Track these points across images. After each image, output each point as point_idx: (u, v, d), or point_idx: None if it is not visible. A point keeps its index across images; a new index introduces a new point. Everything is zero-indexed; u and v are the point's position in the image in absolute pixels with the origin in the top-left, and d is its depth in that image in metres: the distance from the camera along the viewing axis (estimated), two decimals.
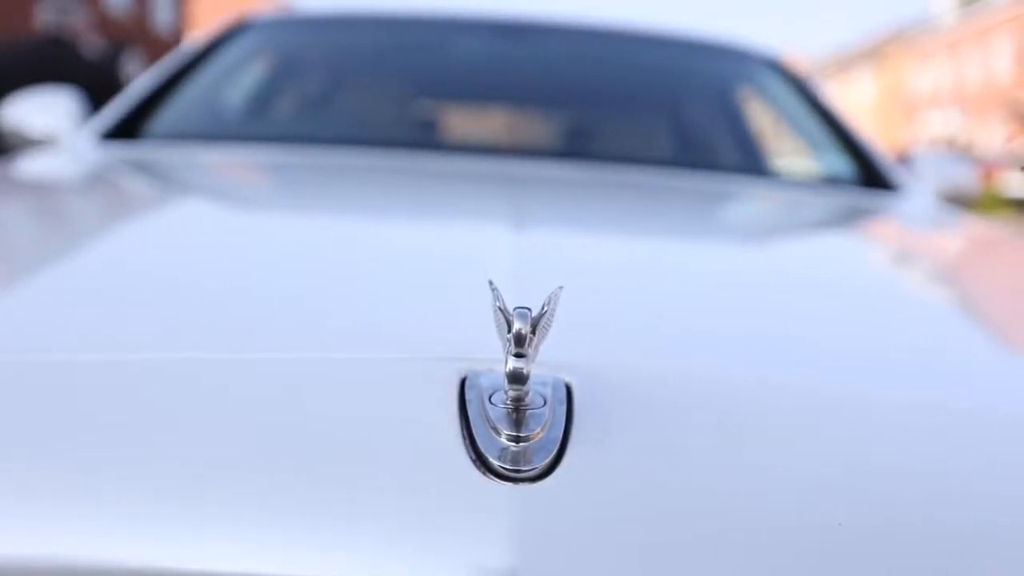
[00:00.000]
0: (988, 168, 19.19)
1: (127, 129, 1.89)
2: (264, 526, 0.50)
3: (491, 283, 0.59)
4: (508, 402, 0.56)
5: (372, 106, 2.38)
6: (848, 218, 1.63)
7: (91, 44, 4.62)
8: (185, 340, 0.67)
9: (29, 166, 1.62)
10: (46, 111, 2.02)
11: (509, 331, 0.55)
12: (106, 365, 0.62)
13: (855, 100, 59.20)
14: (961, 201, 2.07)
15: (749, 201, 1.75)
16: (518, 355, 0.55)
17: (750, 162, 2.30)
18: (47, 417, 0.56)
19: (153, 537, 0.49)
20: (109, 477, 0.52)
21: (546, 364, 0.60)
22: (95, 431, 0.55)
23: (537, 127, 2.59)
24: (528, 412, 0.56)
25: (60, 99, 2.06)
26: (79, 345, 0.66)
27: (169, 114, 1.99)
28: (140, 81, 2.12)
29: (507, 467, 0.53)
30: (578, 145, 2.27)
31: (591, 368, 0.63)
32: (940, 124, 48.49)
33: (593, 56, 2.30)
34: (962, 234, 1.58)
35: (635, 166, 1.85)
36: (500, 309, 0.57)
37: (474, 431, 0.55)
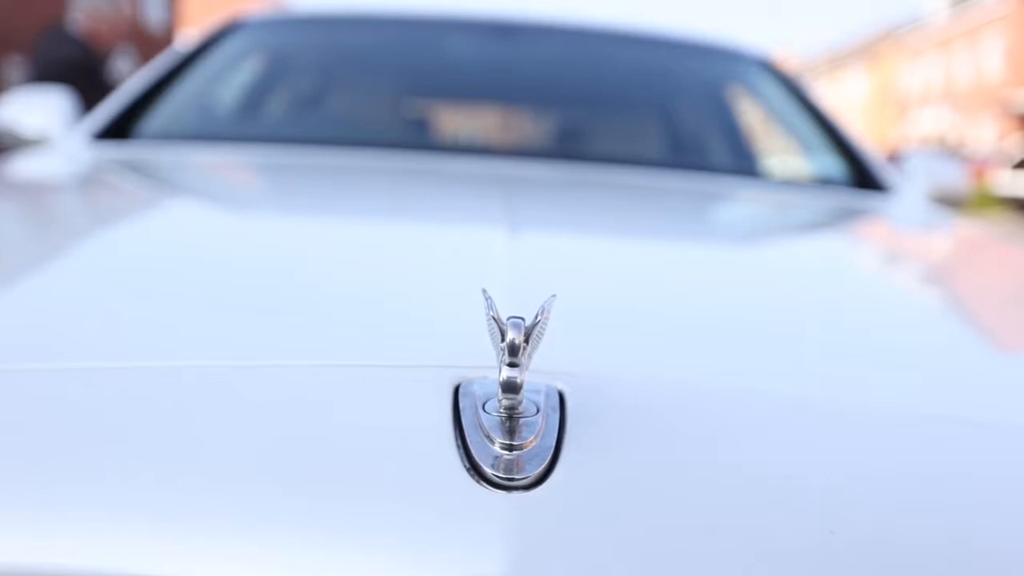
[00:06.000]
0: (979, 166, 19.29)
1: (119, 129, 1.89)
2: (254, 534, 0.50)
3: (484, 292, 0.60)
4: (501, 410, 0.56)
5: (365, 106, 2.38)
6: (839, 220, 1.64)
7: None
8: (175, 347, 0.67)
9: (21, 166, 1.62)
10: (38, 111, 2.01)
11: (502, 340, 0.55)
12: (95, 373, 0.62)
13: (847, 98, 59.32)
14: (952, 201, 2.08)
15: (741, 203, 1.76)
16: (512, 364, 0.55)
17: (741, 162, 2.31)
18: (43, 425, 0.56)
19: (140, 544, 0.49)
20: (101, 485, 0.52)
21: (539, 372, 0.60)
22: (88, 439, 0.55)
23: (529, 127, 2.59)
24: (521, 420, 0.56)
25: (52, 99, 2.05)
26: (73, 351, 0.65)
27: (161, 114, 1.98)
28: (132, 81, 2.12)
29: (500, 475, 0.53)
30: (570, 145, 2.27)
31: (584, 376, 0.63)
32: (931, 122, 48.63)
33: (584, 56, 2.30)
34: (952, 235, 1.59)
35: (627, 167, 1.85)
36: (494, 318, 0.57)
37: (467, 439, 0.55)
